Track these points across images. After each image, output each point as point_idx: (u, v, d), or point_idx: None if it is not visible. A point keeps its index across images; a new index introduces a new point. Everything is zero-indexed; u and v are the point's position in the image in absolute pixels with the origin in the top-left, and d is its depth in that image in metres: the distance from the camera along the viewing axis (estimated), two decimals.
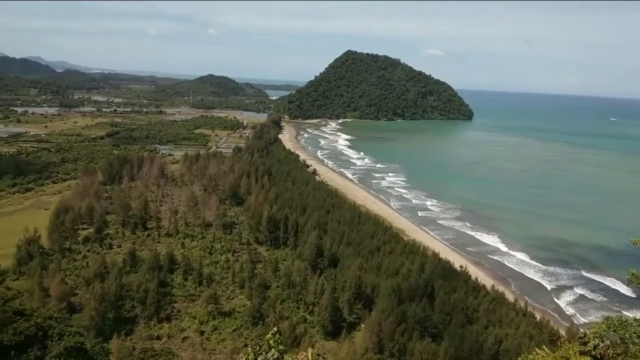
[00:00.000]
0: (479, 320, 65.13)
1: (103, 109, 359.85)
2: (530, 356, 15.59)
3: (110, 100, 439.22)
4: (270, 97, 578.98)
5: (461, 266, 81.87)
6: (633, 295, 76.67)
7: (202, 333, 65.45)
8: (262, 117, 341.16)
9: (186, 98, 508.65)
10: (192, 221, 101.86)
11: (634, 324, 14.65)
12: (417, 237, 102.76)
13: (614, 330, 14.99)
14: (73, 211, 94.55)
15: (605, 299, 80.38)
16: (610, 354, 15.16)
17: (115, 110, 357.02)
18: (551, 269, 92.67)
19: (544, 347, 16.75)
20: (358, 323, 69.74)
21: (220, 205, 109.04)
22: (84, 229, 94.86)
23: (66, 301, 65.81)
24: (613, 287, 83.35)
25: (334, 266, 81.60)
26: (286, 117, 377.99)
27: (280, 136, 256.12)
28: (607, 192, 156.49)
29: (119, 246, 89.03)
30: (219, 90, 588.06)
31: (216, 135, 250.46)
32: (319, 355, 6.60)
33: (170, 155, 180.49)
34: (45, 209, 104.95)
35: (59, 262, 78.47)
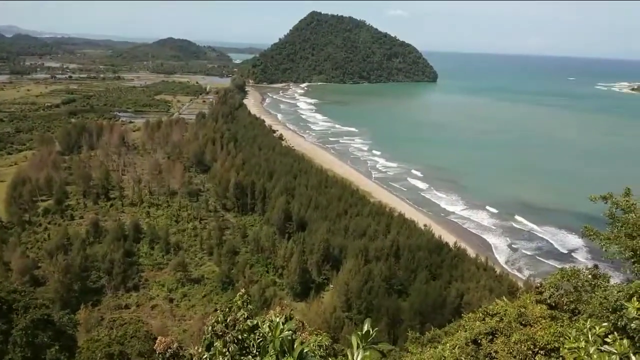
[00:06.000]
0: (442, 275, 67.70)
1: (57, 76, 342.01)
2: (491, 306, 16.36)
3: (64, 67, 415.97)
4: (234, 61, 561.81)
5: (425, 225, 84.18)
6: (585, 249, 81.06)
7: (171, 300, 65.61)
8: (225, 82, 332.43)
9: (145, 63, 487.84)
10: (157, 190, 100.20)
11: (585, 273, 15.46)
12: (383, 198, 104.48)
13: (568, 280, 15.76)
14: (31, 182, 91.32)
15: (558, 253, 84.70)
16: (565, 302, 16.06)
17: (70, 77, 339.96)
18: (508, 224, 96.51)
19: (504, 297, 17.61)
20: (326, 284, 71.34)
21: (185, 173, 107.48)
22: (43, 200, 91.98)
23: (29, 274, 64.50)
24: (569, 242, 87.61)
25: (302, 230, 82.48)
26: (251, 81, 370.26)
27: (245, 101, 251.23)
28: (576, 151, 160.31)
29: (81, 217, 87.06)
30: (180, 54, 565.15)
31: (178, 101, 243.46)
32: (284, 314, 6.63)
33: (130, 122, 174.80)
34: (1, 181, 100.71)
35: (19, 235, 76.29)
